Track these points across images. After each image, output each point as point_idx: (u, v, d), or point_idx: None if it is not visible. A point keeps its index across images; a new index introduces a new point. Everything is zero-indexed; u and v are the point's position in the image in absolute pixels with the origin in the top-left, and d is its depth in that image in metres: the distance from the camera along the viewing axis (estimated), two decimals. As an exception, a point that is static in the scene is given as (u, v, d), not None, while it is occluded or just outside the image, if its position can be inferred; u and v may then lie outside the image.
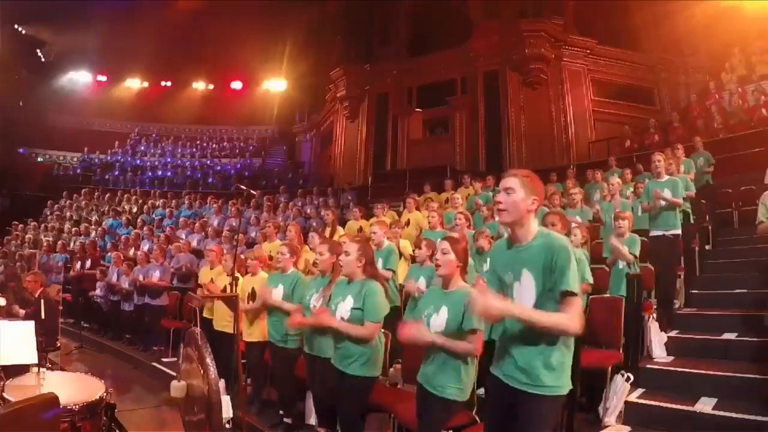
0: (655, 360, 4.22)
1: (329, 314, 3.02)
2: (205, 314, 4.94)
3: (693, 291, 5.47)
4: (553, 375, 1.91)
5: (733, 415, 3.24)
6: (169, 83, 21.22)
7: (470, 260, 3.44)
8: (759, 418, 3.15)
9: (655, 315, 4.51)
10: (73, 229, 11.72)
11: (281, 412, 3.97)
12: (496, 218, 6.00)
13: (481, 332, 2.47)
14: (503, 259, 2.11)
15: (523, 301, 1.97)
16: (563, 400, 1.98)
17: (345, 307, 2.97)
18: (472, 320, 2.43)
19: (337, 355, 3.03)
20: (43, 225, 12.74)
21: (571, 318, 1.86)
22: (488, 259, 2.64)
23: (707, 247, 6.62)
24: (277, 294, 3.87)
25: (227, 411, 3.00)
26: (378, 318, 2.93)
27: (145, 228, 10.14)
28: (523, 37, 13.22)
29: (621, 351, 3.73)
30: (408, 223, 6.88)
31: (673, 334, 4.61)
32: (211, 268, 5.44)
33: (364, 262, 3.02)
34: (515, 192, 2.01)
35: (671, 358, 4.27)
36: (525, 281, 1.97)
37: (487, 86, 14.02)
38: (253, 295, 4.41)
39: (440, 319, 2.52)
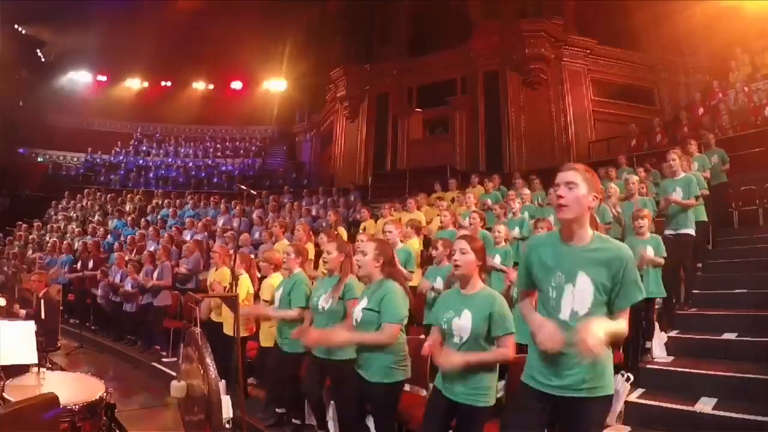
0: (655, 360, 4.22)
1: (340, 329, 2.85)
2: (214, 318, 4.90)
3: (693, 291, 5.46)
4: (599, 377, 1.88)
5: (733, 415, 3.24)
6: (169, 83, 21.22)
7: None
8: (759, 418, 3.15)
9: (655, 315, 4.51)
10: (77, 230, 11.71)
11: (278, 410, 3.97)
12: (512, 215, 6.01)
13: (513, 334, 2.38)
14: (551, 257, 1.95)
15: (575, 304, 1.87)
16: (612, 400, 1.97)
17: (358, 308, 2.84)
18: (506, 322, 2.35)
19: (359, 360, 2.85)
20: (48, 225, 12.75)
21: (624, 325, 1.89)
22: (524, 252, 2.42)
23: (708, 247, 6.61)
24: (278, 295, 3.85)
25: (227, 411, 2.99)
26: (397, 319, 2.72)
27: (150, 228, 10.13)
28: (523, 37, 13.23)
29: (621, 351, 3.73)
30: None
31: (673, 334, 4.61)
32: (216, 269, 5.42)
33: (383, 262, 2.85)
34: (578, 187, 1.88)
35: (671, 358, 4.27)
36: (582, 285, 1.86)
37: (487, 86, 14.03)
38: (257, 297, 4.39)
39: (464, 323, 2.40)
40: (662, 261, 4.45)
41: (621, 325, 1.86)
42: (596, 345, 1.69)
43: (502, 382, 2.92)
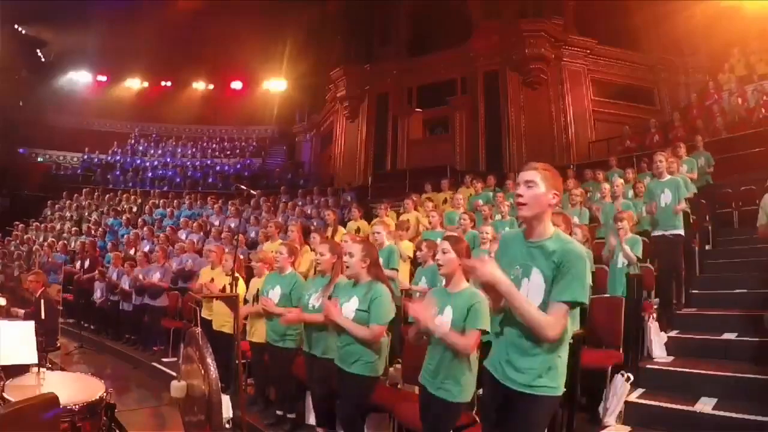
0: (655, 360, 4.22)
1: (337, 310, 2.95)
2: (205, 315, 4.94)
3: (693, 291, 5.47)
4: (550, 376, 1.89)
5: (733, 415, 3.24)
6: (169, 83, 21.22)
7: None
8: (759, 418, 3.15)
9: (655, 315, 4.51)
10: (74, 229, 11.72)
11: (279, 412, 3.97)
12: (500, 217, 6.05)
13: (479, 332, 2.45)
14: (514, 252, 2.04)
15: (528, 297, 1.92)
16: (558, 401, 1.96)
17: (350, 308, 2.93)
18: (478, 319, 2.43)
19: (340, 354, 2.99)
20: (43, 225, 12.76)
21: (553, 322, 1.83)
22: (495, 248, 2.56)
23: (707, 247, 6.61)
24: (274, 295, 3.86)
25: (227, 411, 3.00)
26: (383, 321, 2.89)
27: (145, 228, 10.13)
28: (523, 37, 13.23)
29: (621, 351, 3.73)
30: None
31: (673, 334, 4.61)
32: (212, 269, 5.44)
33: (369, 263, 2.98)
34: (536, 186, 1.94)
35: (671, 358, 4.27)
36: (534, 280, 1.93)
37: (487, 86, 14.02)
38: (257, 297, 4.39)
39: (445, 319, 2.50)
40: (634, 258, 4.47)
41: (536, 313, 1.84)
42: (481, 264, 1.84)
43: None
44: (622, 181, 6.05)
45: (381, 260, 4.51)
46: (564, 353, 1.95)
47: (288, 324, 3.58)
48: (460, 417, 2.57)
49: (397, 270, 4.87)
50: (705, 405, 3.44)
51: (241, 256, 6.23)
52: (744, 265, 5.75)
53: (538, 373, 1.88)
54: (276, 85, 20.68)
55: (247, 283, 4.93)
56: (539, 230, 1.97)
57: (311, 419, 3.83)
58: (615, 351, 3.71)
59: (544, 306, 1.89)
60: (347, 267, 3.02)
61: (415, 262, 5.47)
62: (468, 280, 2.67)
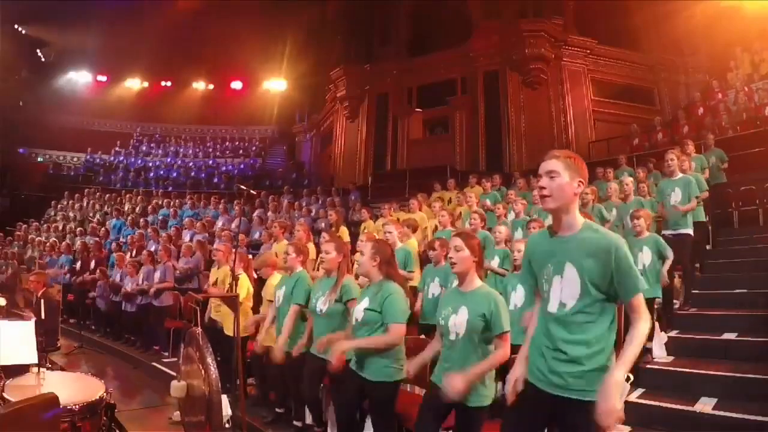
0: (655, 360, 4.22)
1: (347, 338, 2.81)
2: (214, 316, 4.91)
3: (693, 291, 5.46)
4: (598, 380, 1.77)
5: (733, 415, 3.24)
6: (169, 83, 21.23)
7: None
8: (759, 418, 3.15)
9: (655, 315, 4.51)
10: (78, 230, 11.71)
11: (278, 409, 3.96)
12: (514, 215, 5.99)
13: (509, 332, 2.40)
14: (543, 249, 1.94)
15: (562, 296, 1.82)
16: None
17: (359, 307, 2.85)
18: (501, 321, 2.36)
19: (358, 360, 2.84)
20: (46, 225, 12.75)
21: (646, 320, 1.77)
22: (523, 251, 2.46)
23: (707, 247, 6.61)
24: (279, 295, 3.84)
25: (226, 409, 2.99)
26: (401, 319, 2.75)
27: (149, 228, 10.13)
28: (523, 37, 13.23)
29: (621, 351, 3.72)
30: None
31: (673, 334, 4.61)
32: (219, 268, 5.42)
33: (379, 261, 2.86)
34: (559, 175, 1.83)
35: (671, 358, 4.27)
36: (568, 276, 1.81)
37: (487, 86, 14.03)
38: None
39: (459, 319, 2.42)
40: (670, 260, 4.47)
41: (641, 333, 1.76)
42: (612, 413, 1.67)
43: (500, 384, 2.91)
44: (631, 179, 6.01)
45: (398, 261, 4.51)
46: (614, 352, 1.84)
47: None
48: (484, 422, 2.49)
49: (413, 272, 4.83)
50: (705, 405, 3.45)
51: (250, 256, 6.21)
52: (744, 265, 5.76)
53: (579, 375, 1.79)
54: (276, 85, 20.69)
55: (260, 283, 4.86)
56: (568, 222, 1.87)
57: (309, 419, 3.81)
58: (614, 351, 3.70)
59: (582, 305, 1.79)
60: (358, 266, 2.95)
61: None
62: (482, 278, 2.57)
